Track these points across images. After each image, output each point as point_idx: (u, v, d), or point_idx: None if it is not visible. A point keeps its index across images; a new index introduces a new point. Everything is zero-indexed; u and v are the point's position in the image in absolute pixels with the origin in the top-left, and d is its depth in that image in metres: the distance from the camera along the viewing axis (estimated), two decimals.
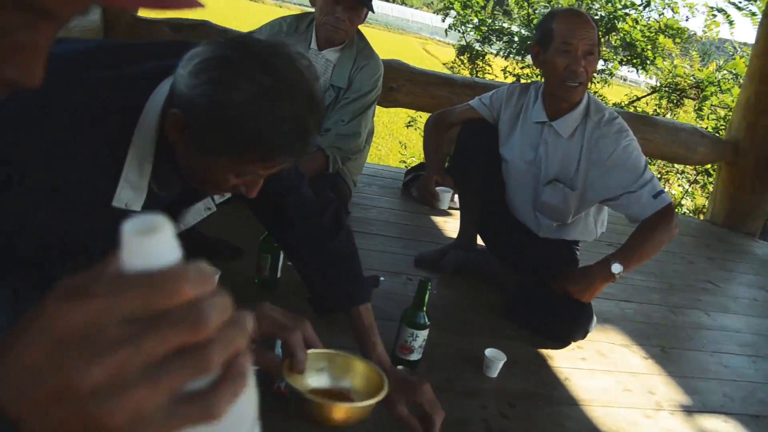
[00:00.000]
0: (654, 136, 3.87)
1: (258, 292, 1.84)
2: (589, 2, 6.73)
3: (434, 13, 6.68)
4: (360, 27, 2.43)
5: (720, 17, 6.27)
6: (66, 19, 0.45)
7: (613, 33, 6.58)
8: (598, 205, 2.15)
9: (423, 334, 1.56)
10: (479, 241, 2.35)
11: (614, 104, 6.29)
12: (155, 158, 1.10)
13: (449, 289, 2.17)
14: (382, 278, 2.07)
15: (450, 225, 2.81)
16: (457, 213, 2.52)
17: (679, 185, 5.95)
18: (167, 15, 3.49)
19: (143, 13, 2.50)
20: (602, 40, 6.21)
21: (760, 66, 3.77)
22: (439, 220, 2.86)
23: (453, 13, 6.09)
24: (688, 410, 1.77)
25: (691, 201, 5.85)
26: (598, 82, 6.71)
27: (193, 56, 0.99)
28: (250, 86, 0.96)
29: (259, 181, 1.12)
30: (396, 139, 7.32)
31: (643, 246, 1.90)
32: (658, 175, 6.06)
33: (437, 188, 2.03)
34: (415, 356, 1.59)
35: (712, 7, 6.24)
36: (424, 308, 1.54)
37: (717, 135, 4.95)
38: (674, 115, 6.08)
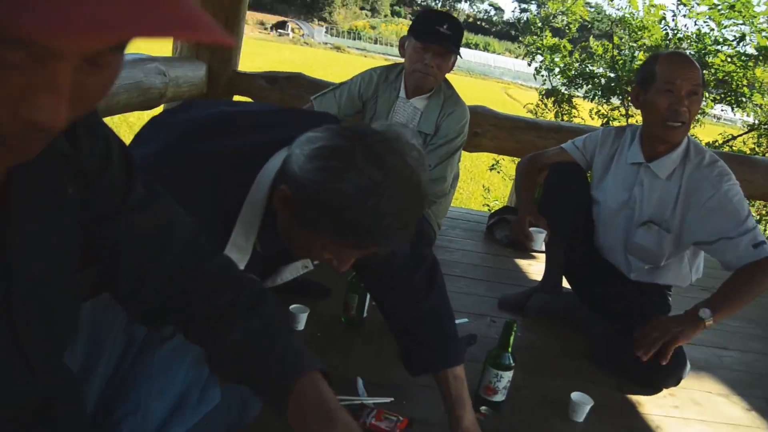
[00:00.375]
0: (753, 177, 3.70)
1: (344, 330, 1.92)
2: (677, 42, 6.58)
3: (517, 57, 6.76)
4: (451, 73, 2.54)
5: None
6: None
7: (705, 71, 6.37)
8: (693, 249, 2.10)
9: (508, 375, 1.58)
10: (565, 284, 2.34)
11: (707, 144, 6.05)
12: (261, 226, 1.20)
13: (533, 333, 2.16)
14: (472, 333, 2.09)
15: (534, 268, 2.80)
16: (541, 256, 2.52)
17: None
18: (262, 69, 3.75)
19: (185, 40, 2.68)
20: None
21: None
22: (523, 263, 2.86)
23: (540, 57, 6.16)
24: None
25: None
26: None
27: (310, 140, 1.07)
28: (359, 179, 1.01)
29: (351, 259, 1.16)
30: (479, 183, 7.37)
31: (736, 295, 1.84)
32: (758, 217, 5.73)
33: (531, 229, 2.05)
34: (499, 397, 1.60)
35: None
36: (509, 349, 1.56)
37: None
38: None
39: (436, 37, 2.32)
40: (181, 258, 0.86)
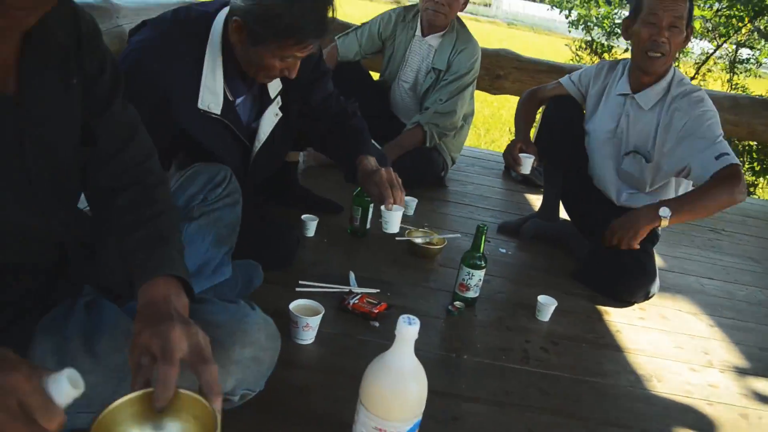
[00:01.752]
0: None
1: (349, 238, 2.21)
2: None
3: (551, 6, 6.67)
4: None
5: None
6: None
7: (763, 16, 6.13)
8: (679, 180, 2.23)
9: (479, 274, 1.82)
10: (562, 213, 2.53)
11: (759, 95, 5.89)
12: (223, 65, 1.58)
13: (525, 252, 2.39)
14: (459, 234, 2.33)
15: (539, 201, 2.99)
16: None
17: None
18: None
19: None
20: (694, 17, 5.83)
21: None
22: (531, 197, 3.05)
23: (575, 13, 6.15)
24: (742, 371, 1.84)
25: None
26: (740, 73, 6.30)
27: None
28: None
29: (296, 63, 1.56)
30: (506, 125, 7.44)
31: (699, 199, 1.92)
32: None
33: (520, 154, 2.24)
34: (471, 294, 1.85)
35: None
36: (481, 251, 1.80)
37: None
38: None
39: None
40: (136, 159, 1.11)
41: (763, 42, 6.18)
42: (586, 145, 2.35)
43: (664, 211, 1.90)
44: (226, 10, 1.56)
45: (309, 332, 1.54)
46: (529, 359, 1.69)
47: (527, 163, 2.21)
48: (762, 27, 6.18)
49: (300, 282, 1.79)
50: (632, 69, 2.17)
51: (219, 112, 1.61)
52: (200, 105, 1.57)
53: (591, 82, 2.33)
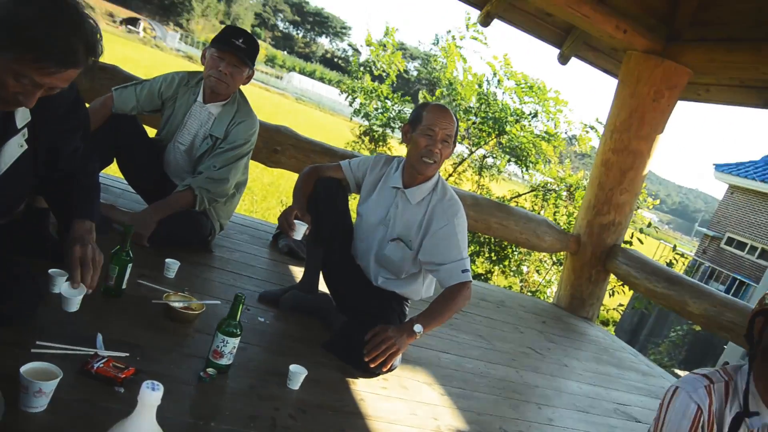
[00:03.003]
0: (508, 222, 4.42)
1: (102, 298, 2.06)
2: (485, 107, 7.50)
3: (340, 92, 7.27)
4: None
5: (591, 133, 7.21)
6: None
7: (504, 135, 7.35)
8: (426, 272, 2.54)
9: (233, 342, 1.84)
10: (323, 287, 2.67)
11: (497, 198, 6.95)
12: None
13: (282, 322, 2.45)
14: (218, 301, 2.33)
15: (302, 273, 3.12)
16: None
17: (537, 270, 6.59)
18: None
19: None
20: (464, 133, 6.89)
21: (597, 174, 4.45)
22: (295, 270, 3.17)
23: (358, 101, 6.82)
24: None
25: (551, 288, 6.49)
26: (486, 177, 7.39)
27: None
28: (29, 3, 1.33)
29: (34, 92, 1.41)
30: (283, 195, 7.75)
31: (440, 312, 2.32)
32: (517, 261, 6.69)
33: (295, 220, 2.36)
34: (225, 361, 1.85)
35: (585, 124, 7.17)
36: (237, 319, 1.83)
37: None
38: (545, 211, 6.81)
39: (232, 48, 2.63)
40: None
41: (503, 154, 7.36)
42: (355, 226, 2.57)
43: (418, 327, 2.25)
44: None
45: (41, 398, 1.39)
46: (276, 427, 1.72)
47: (300, 229, 2.34)
48: (503, 142, 7.38)
49: (37, 342, 1.62)
50: (406, 167, 2.49)
51: None
52: None
53: (368, 171, 2.59)
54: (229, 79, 2.68)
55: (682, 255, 9.38)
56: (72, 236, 1.68)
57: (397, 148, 7.22)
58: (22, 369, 1.40)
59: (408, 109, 7.41)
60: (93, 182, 1.90)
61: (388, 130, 6.76)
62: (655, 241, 17.40)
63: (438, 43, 8.01)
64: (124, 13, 50.39)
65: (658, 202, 8.31)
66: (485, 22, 4.22)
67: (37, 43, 1.33)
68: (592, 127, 7.08)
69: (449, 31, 7.44)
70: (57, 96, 1.50)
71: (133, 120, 2.82)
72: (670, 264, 7.81)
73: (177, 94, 2.81)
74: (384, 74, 6.79)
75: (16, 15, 1.31)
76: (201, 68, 2.81)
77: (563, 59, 4.65)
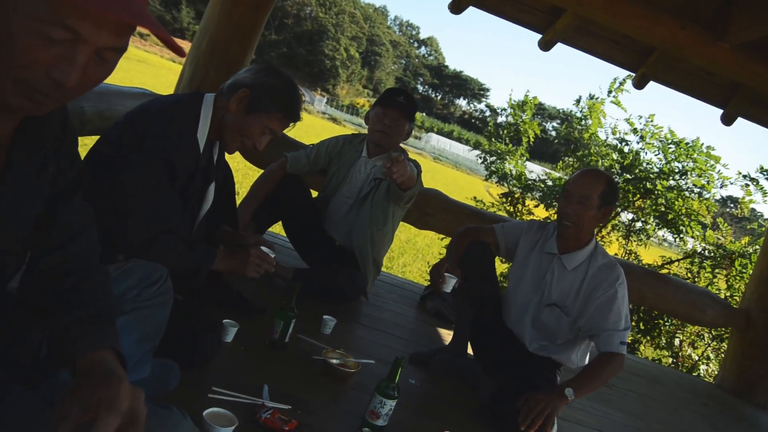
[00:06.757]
0: (665, 293, 4.13)
1: (266, 350, 2.20)
2: (628, 165, 7.11)
3: (477, 156, 7.33)
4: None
5: (752, 187, 6.47)
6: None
7: (650, 194, 6.91)
8: (585, 339, 2.47)
9: (390, 404, 1.87)
10: (471, 351, 2.66)
11: (647, 264, 6.51)
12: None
13: (432, 385, 2.46)
14: (373, 360, 2.38)
15: (450, 336, 3.12)
16: None
17: (692, 344, 6.03)
18: None
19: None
20: (619, 197, 6.54)
21: None
22: (442, 332, 3.18)
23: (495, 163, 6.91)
24: None
25: (707, 366, 5.90)
26: (634, 242, 6.97)
27: (251, 68, 2.01)
28: (280, 77, 1.97)
29: (268, 139, 1.98)
30: (424, 260, 7.82)
31: (591, 379, 2.25)
32: (669, 332, 6.17)
33: (446, 274, 2.41)
34: (381, 422, 1.88)
35: (744, 176, 6.47)
36: (396, 381, 1.86)
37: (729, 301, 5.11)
38: (702, 281, 6.26)
39: (394, 104, 2.87)
40: (82, 254, 1.14)
41: (651, 218, 6.93)
42: (507, 291, 2.57)
43: (569, 391, 2.18)
44: (210, 95, 1.95)
45: None
46: None
47: (450, 282, 2.39)
48: (647, 204, 6.95)
49: (213, 388, 1.76)
50: (557, 233, 2.48)
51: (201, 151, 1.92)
52: None
53: (522, 237, 2.61)
54: (393, 131, 2.89)
55: None
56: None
57: (536, 210, 7.08)
58: (205, 413, 1.52)
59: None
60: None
61: (527, 195, 6.67)
62: None
63: (579, 102, 7.82)
64: None
65: None
66: (640, 84, 4.09)
67: (287, 106, 1.94)
68: (753, 180, 6.37)
69: (592, 96, 7.26)
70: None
71: (300, 181, 3.07)
72: None
73: (342, 152, 3.06)
74: (522, 136, 6.78)
75: (274, 86, 1.92)
76: (345, 130, 3.05)
77: (727, 119, 4.36)
